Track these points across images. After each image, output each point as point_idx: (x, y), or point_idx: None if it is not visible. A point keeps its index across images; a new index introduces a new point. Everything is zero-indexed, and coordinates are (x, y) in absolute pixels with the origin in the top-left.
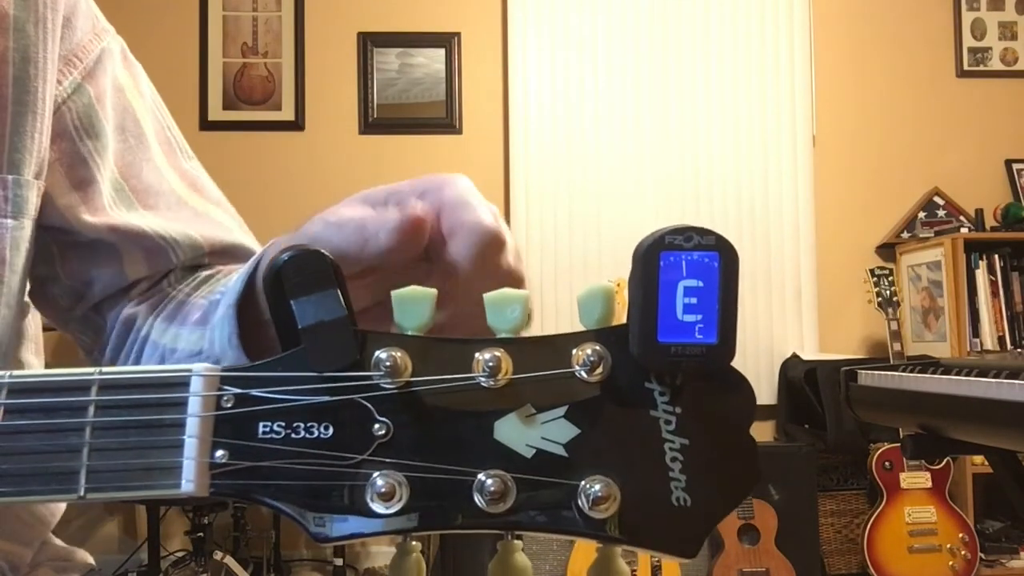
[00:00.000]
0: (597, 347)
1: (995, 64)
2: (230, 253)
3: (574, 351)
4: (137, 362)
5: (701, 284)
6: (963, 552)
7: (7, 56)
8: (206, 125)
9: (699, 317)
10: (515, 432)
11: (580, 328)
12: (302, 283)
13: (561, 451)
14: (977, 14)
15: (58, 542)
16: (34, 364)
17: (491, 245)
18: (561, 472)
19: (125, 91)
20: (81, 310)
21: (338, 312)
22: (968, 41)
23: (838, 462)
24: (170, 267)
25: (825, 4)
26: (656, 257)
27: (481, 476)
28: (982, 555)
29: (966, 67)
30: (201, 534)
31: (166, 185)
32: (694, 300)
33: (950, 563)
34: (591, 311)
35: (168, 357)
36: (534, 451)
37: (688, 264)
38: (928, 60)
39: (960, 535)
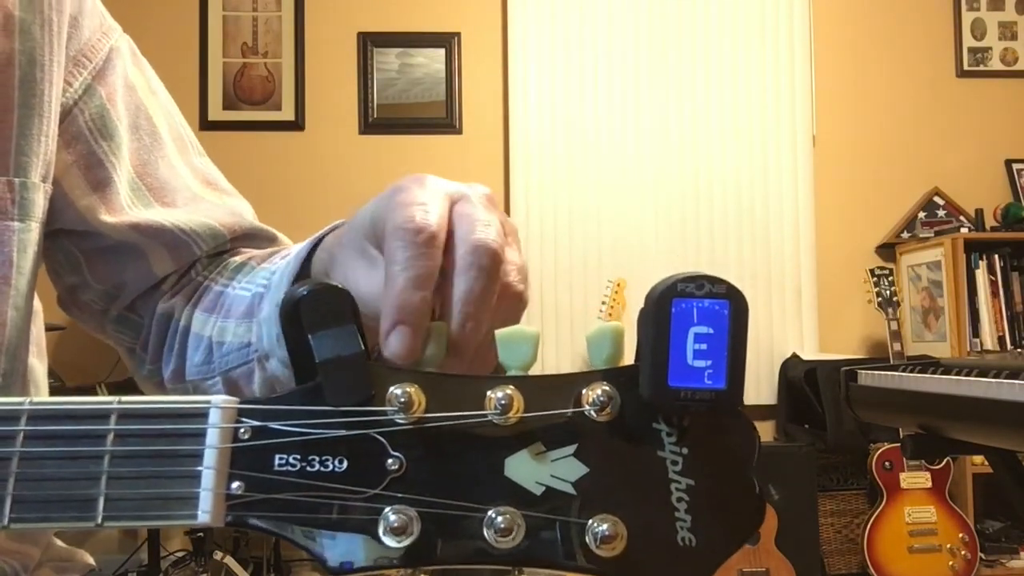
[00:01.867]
0: (606, 387)
1: (995, 64)
2: (250, 236)
3: (584, 391)
4: (182, 354)
5: (711, 331)
6: (963, 552)
7: (13, 58)
8: (206, 125)
9: (708, 363)
10: (525, 469)
11: (580, 331)
12: (320, 318)
13: (570, 489)
14: (977, 14)
15: (59, 543)
16: (37, 367)
17: (490, 261)
18: (569, 510)
19: (137, 89)
20: (116, 311)
21: (355, 348)
22: (968, 41)
23: (838, 462)
24: (194, 258)
25: (825, 4)
26: (668, 304)
27: (491, 512)
28: (982, 555)
29: (966, 67)
30: (201, 534)
31: (181, 181)
32: (704, 346)
33: (950, 563)
34: (600, 350)
35: (216, 349)
36: (543, 488)
37: (699, 311)
38: (928, 60)
39: (960, 535)
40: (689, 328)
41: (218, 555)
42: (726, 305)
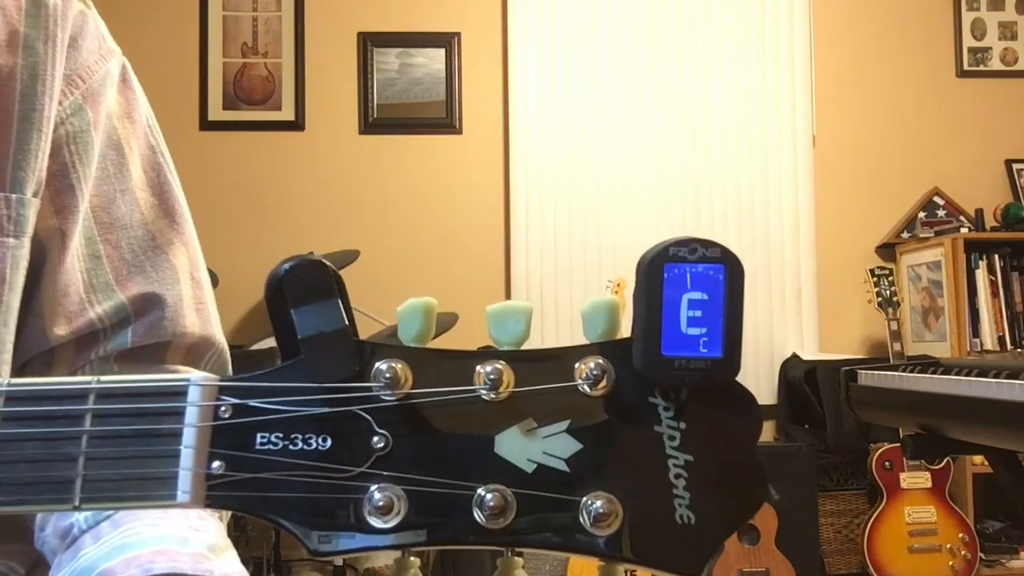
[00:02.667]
0: (600, 361)
1: (995, 64)
2: (150, 319)
3: (577, 365)
4: None
5: (706, 297)
6: (963, 552)
7: (15, 73)
8: (206, 125)
9: (704, 331)
10: (516, 446)
11: (580, 331)
12: (303, 293)
13: (563, 466)
14: (977, 14)
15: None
16: None
17: None
18: (563, 488)
19: (113, 117)
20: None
21: (339, 323)
22: (968, 41)
23: (838, 462)
24: (95, 345)
25: (825, 4)
26: (660, 269)
27: (481, 491)
28: (982, 555)
29: (966, 67)
30: None
31: (137, 217)
32: (698, 313)
33: (950, 563)
34: (595, 324)
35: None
36: (535, 466)
37: (692, 277)
38: (928, 60)
39: (960, 535)
40: (682, 294)
41: None
42: (720, 270)
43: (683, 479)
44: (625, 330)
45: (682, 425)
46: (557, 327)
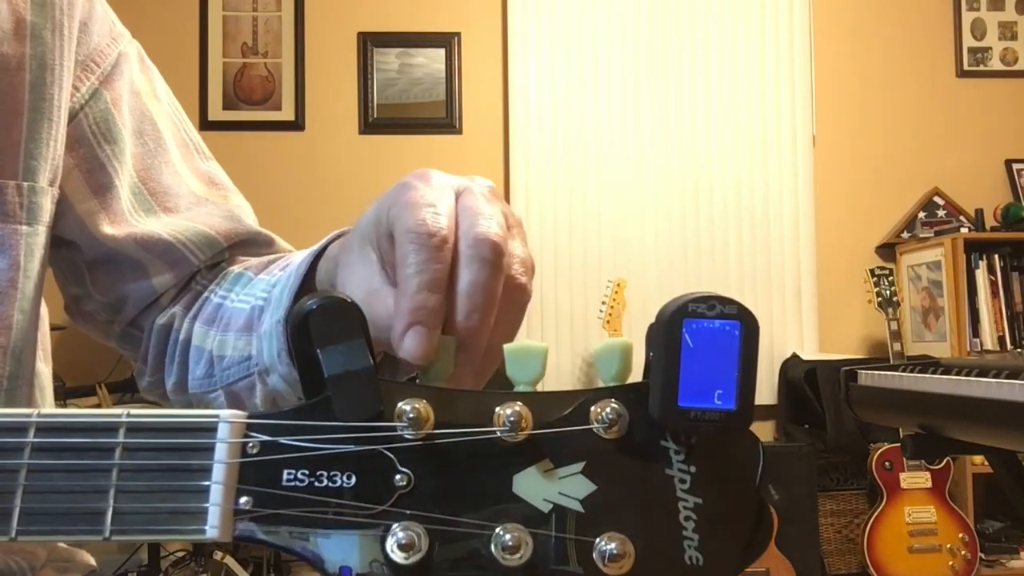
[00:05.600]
0: (615, 405)
1: (995, 64)
2: (247, 243)
3: (593, 408)
4: (184, 367)
5: (722, 352)
6: (963, 552)
7: (24, 62)
8: (206, 125)
9: (719, 384)
10: (533, 486)
11: (580, 331)
12: (330, 332)
13: (578, 507)
14: (977, 14)
15: (59, 543)
16: (43, 371)
17: (492, 254)
18: (577, 528)
19: (142, 95)
20: (120, 327)
21: (364, 363)
22: (968, 41)
23: (838, 462)
24: (193, 270)
25: (825, 4)
26: (679, 324)
27: (499, 530)
28: (982, 555)
29: (966, 67)
30: None
31: (184, 187)
32: (715, 367)
33: (950, 563)
34: (608, 366)
35: (217, 363)
36: (551, 506)
37: (710, 332)
38: (928, 60)
39: (960, 535)
40: (700, 348)
41: (218, 555)
42: (737, 326)
43: (692, 521)
44: (637, 369)
45: (692, 469)
46: (557, 327)
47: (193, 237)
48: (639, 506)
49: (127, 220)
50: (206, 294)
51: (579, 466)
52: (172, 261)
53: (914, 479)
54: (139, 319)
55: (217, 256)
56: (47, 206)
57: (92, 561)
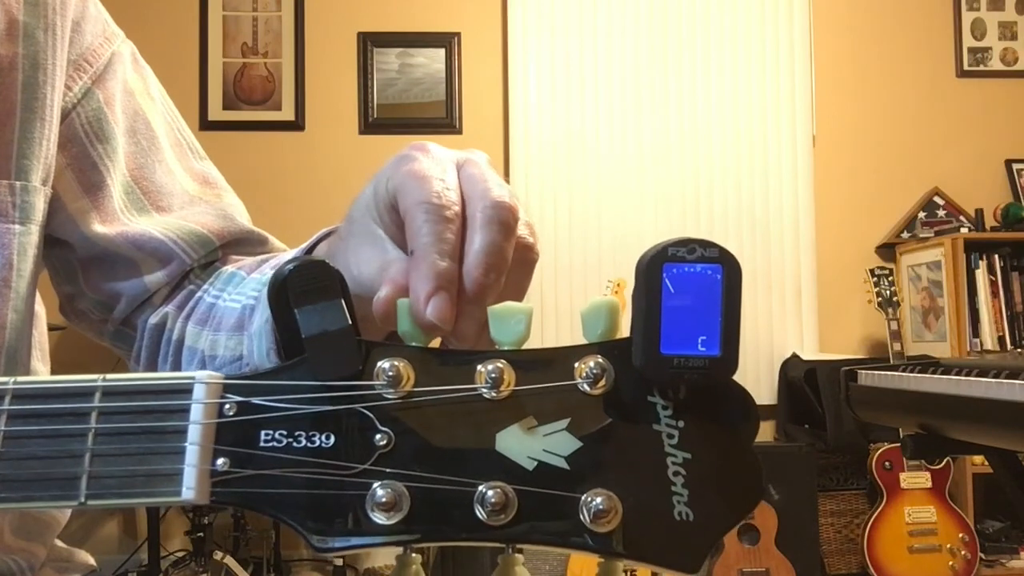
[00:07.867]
0: (600, 360)
1: (995, 64)
2: (240, 242)
3: (577, 364)
4: (176, 367)
5: (704, 296)
6: (963, 552)
7: (16, 62)
8: (206, 125)
9: (702, 329)
10: (517, 444)
11: (580, 331)
12: (307, 293)
13: (563, 464)
14: (977, 14)
15: (60, 543)
16: (40, 370)
17: (510, 216)
18: (563, 485)
19: (135, 95)
20: (113, 326)
21: (342, 322)
22: (968, 41)
23: (838, 462)
24: (186, 269)
25: (825, 4)
26: (659, 269)
27: (482, 488)
28: (982, 555)
29: (966, 67)
30: (201, 534)
31: (178, 186)
32: (697, 312)
33: (950, 563)
34: (594, 325)
35: (209, 363)
36: (536, 463)
37: (691, 276)
38: (928, 60)
39: (960, 535)
40: (681, 293)
41: (218, 555)
42: (719, 269)
43: (681, 476)
44: (624, 330)
45: (680, 423)
46: (557, 327)
47: (186, 236)
48: (626, 462)
49: (119, 219)
50: (199, 293)
51: (564, 423)
52: (164, 259)
53: (914, 479)
54: (132, 317)
55: (210, 255)
56: (40, 205)
57: (92, 561)
